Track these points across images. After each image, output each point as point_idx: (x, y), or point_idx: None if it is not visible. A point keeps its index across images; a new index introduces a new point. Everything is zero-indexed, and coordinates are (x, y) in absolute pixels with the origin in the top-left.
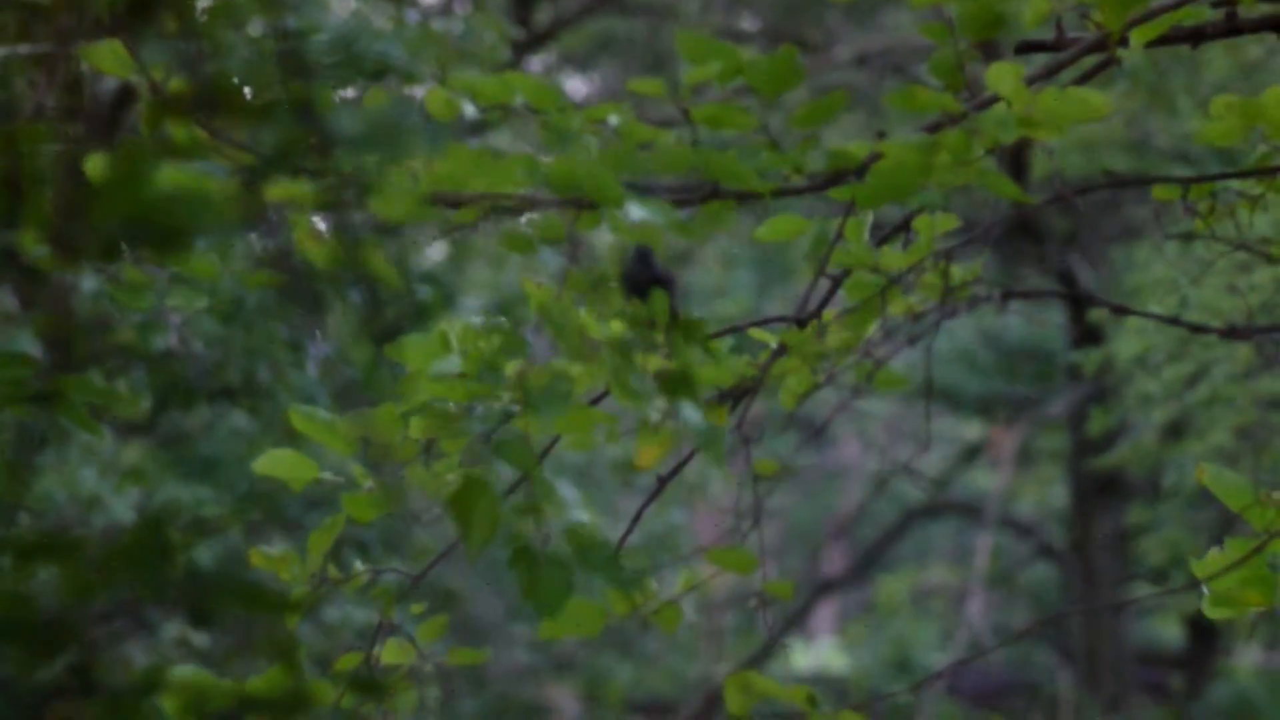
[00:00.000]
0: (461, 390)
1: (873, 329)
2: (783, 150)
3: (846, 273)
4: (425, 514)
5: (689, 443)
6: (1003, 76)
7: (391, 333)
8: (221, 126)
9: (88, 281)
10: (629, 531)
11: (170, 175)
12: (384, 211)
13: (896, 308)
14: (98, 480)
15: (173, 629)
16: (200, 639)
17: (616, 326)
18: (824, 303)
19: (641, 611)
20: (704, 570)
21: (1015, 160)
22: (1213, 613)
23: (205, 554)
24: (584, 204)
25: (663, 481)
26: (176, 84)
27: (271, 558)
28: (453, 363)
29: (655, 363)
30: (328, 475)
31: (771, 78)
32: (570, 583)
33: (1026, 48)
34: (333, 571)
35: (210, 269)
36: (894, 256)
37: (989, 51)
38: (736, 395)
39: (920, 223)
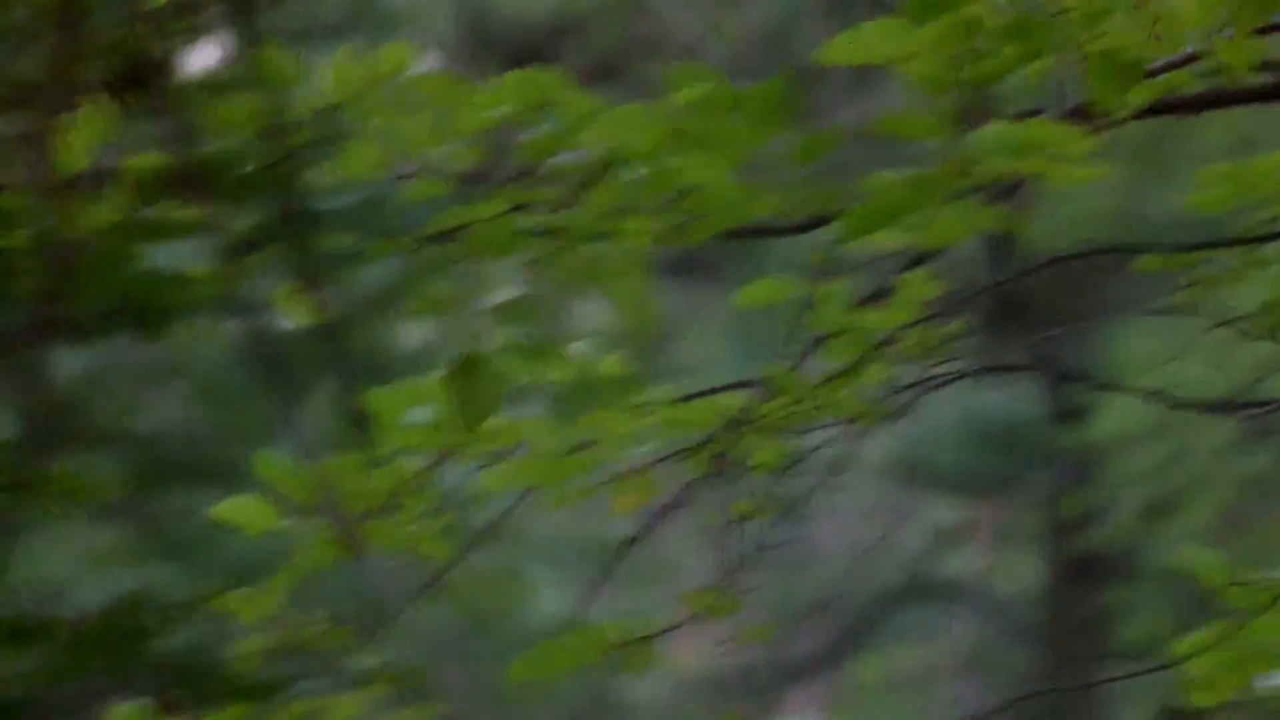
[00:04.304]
0: (435, 439)
1: (849, 403)
2: (776, 190)
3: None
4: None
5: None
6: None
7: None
8: (205, 203)
9: (69, 362)
10: (595, 595)
11: (153, 254)
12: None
13: (875, 375)
14: (71, 564)
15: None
16: None
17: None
18: (801, 361)
19: (614, 649)
20: (680, 649)
21: (1004, 239)
22: (1197, 699)
23: (181, 639)
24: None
25: (629, 543)
26: (160, 161)
27: (234, 599)
28: (425, 413)
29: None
30: (286, 524)
31: (765, 110)
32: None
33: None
34: (293, 618)
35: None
36: (876, 316)
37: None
38: (716, 471)
39: (905, 280)
